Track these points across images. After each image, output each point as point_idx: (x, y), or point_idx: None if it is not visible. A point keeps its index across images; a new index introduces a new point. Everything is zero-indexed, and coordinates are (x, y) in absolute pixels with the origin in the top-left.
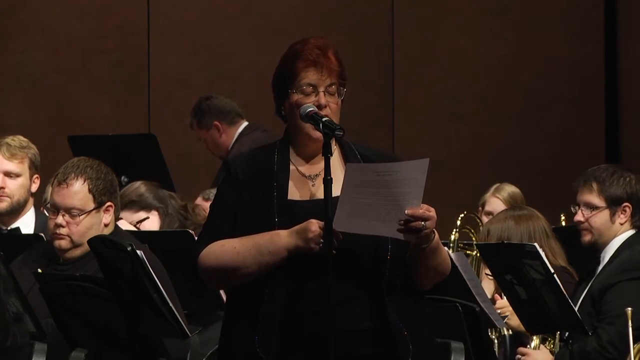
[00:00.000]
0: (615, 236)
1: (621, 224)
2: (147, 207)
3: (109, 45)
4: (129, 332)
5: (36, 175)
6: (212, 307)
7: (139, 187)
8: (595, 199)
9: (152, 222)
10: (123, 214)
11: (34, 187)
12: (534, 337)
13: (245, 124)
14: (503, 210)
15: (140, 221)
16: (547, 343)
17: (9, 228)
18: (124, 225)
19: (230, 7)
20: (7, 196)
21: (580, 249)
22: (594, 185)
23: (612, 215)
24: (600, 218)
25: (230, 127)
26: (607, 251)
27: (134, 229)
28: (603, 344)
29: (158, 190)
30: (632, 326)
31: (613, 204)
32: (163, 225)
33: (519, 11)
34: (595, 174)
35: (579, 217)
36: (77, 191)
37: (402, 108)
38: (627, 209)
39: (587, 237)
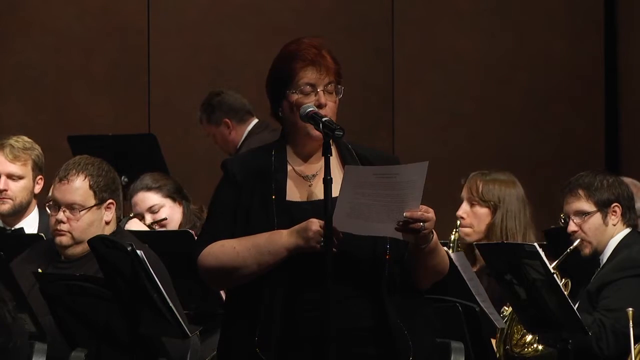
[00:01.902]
0: (611, 238)
1: (614, 225)
2: (172, 198)
3: (109, 45)
4: (129, 332)
5: (40, 177)
6: (214, 308)
7: (169, 178)
8: (584, 204)
9: (176, 215)
10: (147, 195)
11: (37, 189)
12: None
13: (255, 121)
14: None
15: (159, 221)
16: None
17: (12, 228)
18: (137, 225)
19: (230, 7)
20: (10, 198)
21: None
22: (581, 192)
23: (604, 217)
24: (593, 223)
25: (240, 124)
26: (605, 253)
27: (146, 228)
28: (603, 322)
29: (182, 188)
30: (632, 326)
31: (603, 206)
32: (184, 222)
33: (518, 11)
34: (578, 181)
35: (572, 227)
36: (78, 187)
37: (402, 108)
38: (617, 209)
39: (586, 250)
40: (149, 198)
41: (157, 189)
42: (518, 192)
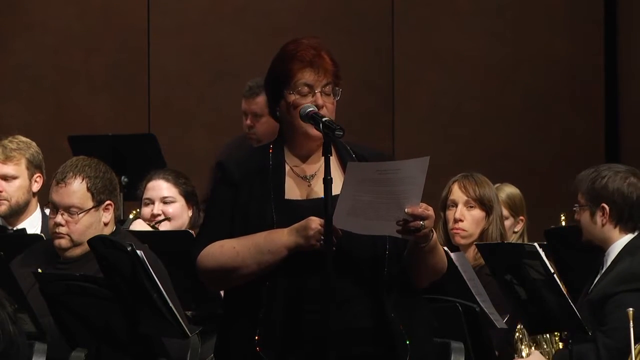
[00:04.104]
0: (604, 237)
1: (603, 224)
2: (187, 199)
3: (109, 45)
4: (129, 332)
5: (37, 174)
6: (214, 308)
7: (190, 180)
8: (581, 197)
9: (184, 215)
10: (166, 185)
11: (36, 187)
12: (524, 347)
13: None
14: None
15: (160, 221)
16: (540, 343)
17: (15, 228)
18: (141, 225)
19: (230, 7)
20: (5, 199)
21: (577, 250)
22: (580, 185)
23: (592, 214)
24: (584, 217)
25: None
26: (609, 254)
27: (149, 229)
28: (600, 356)
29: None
30: (632, 326)
31: (592, 202)
32: (189, 227)
33: (518, 11)
34: (586, 172)
35: (575, 215)
36: (76, 190)
37: (402, 108)
38: (605, 208)
39: (583, 237)
40: (166, 188)
41: (177, 184)
42: (495, 192)
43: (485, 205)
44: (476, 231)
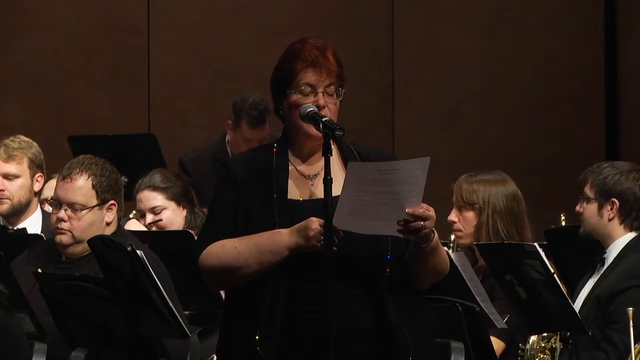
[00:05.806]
0: (606, 232)
1: (610, 219)
2: (177, 201)
3: (109, 45)
4: (129, 332)
5: (39, 174)
6: (214, 308)
7: (179, 179)
8: (589, 190)
9: (177, 219)
10: (152, 195)
11: (37, 186)
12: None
13: None
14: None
15: (154, 222)
16: (551, 340)
17: (15, 228)
18: (136, 225)
19: (230, 7)
20: (7, 198)
21: (577, 250)
22: (590, 178)
23: (600, 208)
24: (590, 210)
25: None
26: (610, 251)
27: (144, 229)
28: (622, 355)
29: (191, 188)
30: (632, 326)
31: (602, 196)
32: (185, 226)
33: (518, 11)
34: (595, 166)
35: (577, 207)
36: (81, 186)
37: (402, 108)
38: (615, 204)
39: (581, 229)
40: (153, 198)
41: (163, 190)
42: (508, 189)
43: (474, 206)
44: (470, 231)
